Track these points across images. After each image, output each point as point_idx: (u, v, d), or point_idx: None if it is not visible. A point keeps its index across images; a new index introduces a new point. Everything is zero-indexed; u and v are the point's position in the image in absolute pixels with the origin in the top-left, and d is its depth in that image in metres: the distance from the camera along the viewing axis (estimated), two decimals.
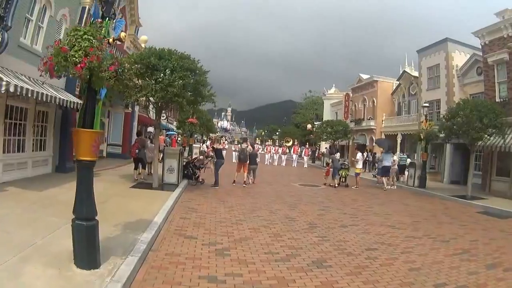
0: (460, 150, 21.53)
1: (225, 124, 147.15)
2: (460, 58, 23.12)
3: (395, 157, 19.20)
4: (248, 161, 14.88)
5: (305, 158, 32.61)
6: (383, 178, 17.31)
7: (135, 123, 23.66)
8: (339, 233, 7.66)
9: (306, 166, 31.16)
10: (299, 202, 11.60)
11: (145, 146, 13.67)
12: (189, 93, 10.61)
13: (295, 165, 30.93)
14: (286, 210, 9.96)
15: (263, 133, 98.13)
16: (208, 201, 10.48)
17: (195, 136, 28.55)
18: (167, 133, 34.53)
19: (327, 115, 44.16)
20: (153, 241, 6.04)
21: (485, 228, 9.53)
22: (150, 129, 32.45)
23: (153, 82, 9.97)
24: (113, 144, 21.85)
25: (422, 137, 18.14)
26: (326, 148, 37.08)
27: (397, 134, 28.84)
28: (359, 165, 17.58)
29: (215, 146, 15.75)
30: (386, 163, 17.38)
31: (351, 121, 35.35)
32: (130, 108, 21.71)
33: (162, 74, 10.03)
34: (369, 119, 32.77)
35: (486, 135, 14.57)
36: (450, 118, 15.54)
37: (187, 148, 21.88)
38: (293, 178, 20.20)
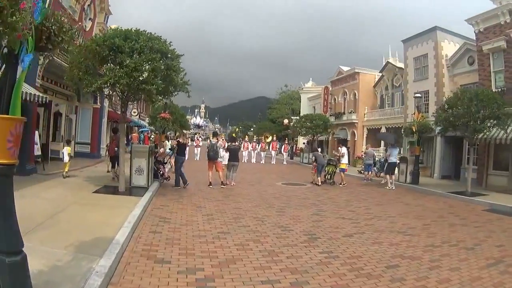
0: (451, 143, 20.79)
1: (198, 120, 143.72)
2: (449, 48, 22.21)
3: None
4: (217, 158, 13.15)
5: (285, 154, 31.00)
6: (388, 175, 16.02)
7: (105, 119, 21.76)
8: (346, 246, 6.27)
9: (286, 163, 29.60)
10: (288, 205, 10.13)
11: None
12: (159, 80, 8.94)
13: (274, 162, 29.30)
14: (275, 216, 8.48)
15: (237, 129, 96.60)
16: (183, 208, 8.86)
17: (169, 133, 26.74)
18: (140, 130, 32.53)
19: (305, 110, 42.79)
20: (114, 270, 4.50)
21: (504, 230, 8.41)
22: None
23: (117, 67, 8.33)
24: (81, 142, 20.01)
25: (414, 130, 17.03)
26: (303, 143, 35.78)
27: (381, 128, 27.87)
28: (345, 160, 16.33)
29: (180, 140, 13.62)
30: (393, 159, 16.00)
31: (330, 115, 34.04)
32: (99, 103, 19.87)
33: (128, 58, 8.39)
34: (351, 112, 31.65)
35: (487, 127, 13.64)
36: (447, 109, 14.55)
37: (159, 146, 20.13)
38: (275, 176, 18.66)
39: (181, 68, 9.62)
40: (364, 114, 30.51)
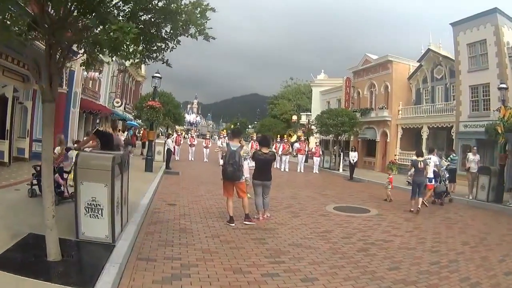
0: None
1: (193, 117, 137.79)
2: (509, 35, 17.99)
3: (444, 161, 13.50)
4: (240, 178, 7.60)
5: (317, 160, 23.26)
6: None
7: (76, 110, 16.05)
8: None
9: (317, 171, 22.62)
10: (405, 274, 5.08)
11: (120, 145, 8.62)
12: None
13: (302, 170, 22.36)
14: None
15: (232, 126, 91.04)
16: None
17: (162, 130, 21.69)
18: (127, 123, 27.19)
19: (317, 105, 37.48)
20: None
21: None
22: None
23: None
24: (41, 139, 14.74)
25: (501, 131, 12.39)
26: (316, 144, 29.94)
27: (422, 127, 23.01)
28: (429, 173, 10.95)
29: (117, 133, 8.18)
30: None
31: (354, 111, 28.19)
32: (66, 87, 14.67)
33: None
34: (382, 108, 26.32)
35: None
36: None
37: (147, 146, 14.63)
38: (313, 193, 12.98)
39: None
40: (399, 111, 25.40)
